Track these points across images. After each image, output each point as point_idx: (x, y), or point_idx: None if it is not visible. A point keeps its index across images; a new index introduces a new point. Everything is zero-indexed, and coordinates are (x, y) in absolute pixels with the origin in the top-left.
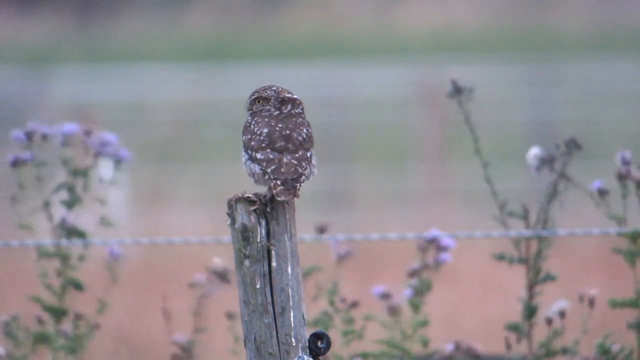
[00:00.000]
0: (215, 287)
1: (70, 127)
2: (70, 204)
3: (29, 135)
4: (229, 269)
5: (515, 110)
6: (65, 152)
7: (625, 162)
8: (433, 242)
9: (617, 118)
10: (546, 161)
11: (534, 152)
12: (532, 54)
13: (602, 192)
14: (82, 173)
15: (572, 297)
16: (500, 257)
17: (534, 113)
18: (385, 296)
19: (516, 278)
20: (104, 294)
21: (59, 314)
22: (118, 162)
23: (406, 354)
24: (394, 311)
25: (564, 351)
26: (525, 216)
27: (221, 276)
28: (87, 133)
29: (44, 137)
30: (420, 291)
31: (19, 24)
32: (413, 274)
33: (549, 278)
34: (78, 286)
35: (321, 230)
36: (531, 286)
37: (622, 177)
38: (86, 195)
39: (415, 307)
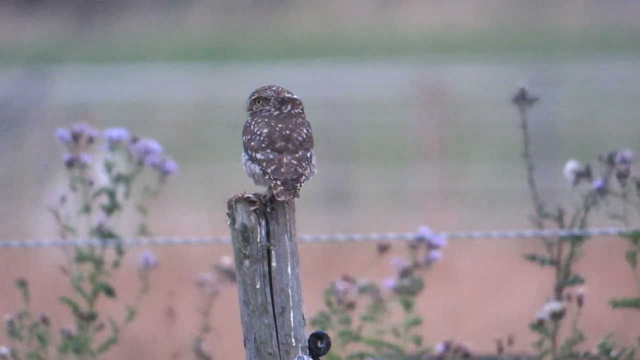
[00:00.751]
0: (223, 286)
1: (120, 132)
2: (110, 209)
3: (76, 136)
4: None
5: (515, 111)
6: (109, 155)
7: (625, 162)
8: (424, 240)
9: (617, 118)
10: (583, 175)
11: (571, 166)
12: (532, 55)
13: (602, 192)
14: (125, 179)
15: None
16: (532, 258)
17: (534, 113)
18: (366, 289)
19: (520, 278)
20: (134, 301)
21: (89, 318)
22: (165, 173)
23: (400, 353)
24: (379, 302)
25: (586, 355)
26: (559, 217)
27: (232, 275)
28: (134, 140)
29: (90, 140)
30: (412, 290)
31: (19, 24)
32: (404, 272)
33: (577, 280)
34: (109, 292)
35: (383, 248)
36: (560, 287)
37: (622, 177)
38: (126, 202)
39: (407, 305)
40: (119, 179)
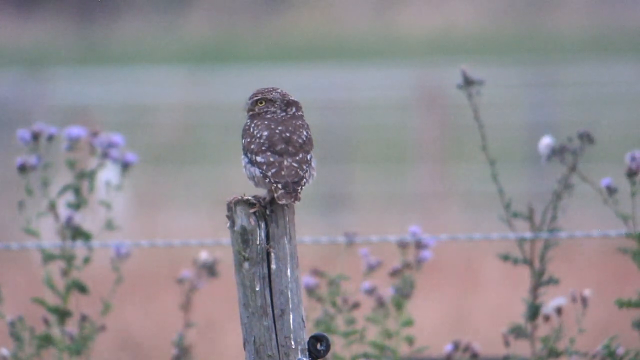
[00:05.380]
0: (203, 281)
1: (77, 130)
2: (76, 206)
3: (35, 136)
4: (217, 261)
5: (514, 113)
6: (70, 154)
7: (635, 160)
8: (416, 239)
9: (616, 120)
10: (557, 151)
11: (546, 141)
12: (532, 57)
13: (611, 190)
14: (88, 175)
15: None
16: (505, 258)
17: (534, 115)
18: (371, 291)
19: (524, 278)
20: (109, 294)
21: (62, 315)
22: (125, 166)
23: (394, 354)
24: (381, 305)
25: (568, 352)
26: (530, 217)
27: (209, 269)
28: (94, 134)
29: (50, 138)
30: (403, 291)
31: (18, 26)
32: (394, 273)
33: (552, 281)
34: (82, 289)
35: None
36: (535, 287)
37: (631, 174)
38: (91, 198)
39: (399, 306)
40: (81, 175)
